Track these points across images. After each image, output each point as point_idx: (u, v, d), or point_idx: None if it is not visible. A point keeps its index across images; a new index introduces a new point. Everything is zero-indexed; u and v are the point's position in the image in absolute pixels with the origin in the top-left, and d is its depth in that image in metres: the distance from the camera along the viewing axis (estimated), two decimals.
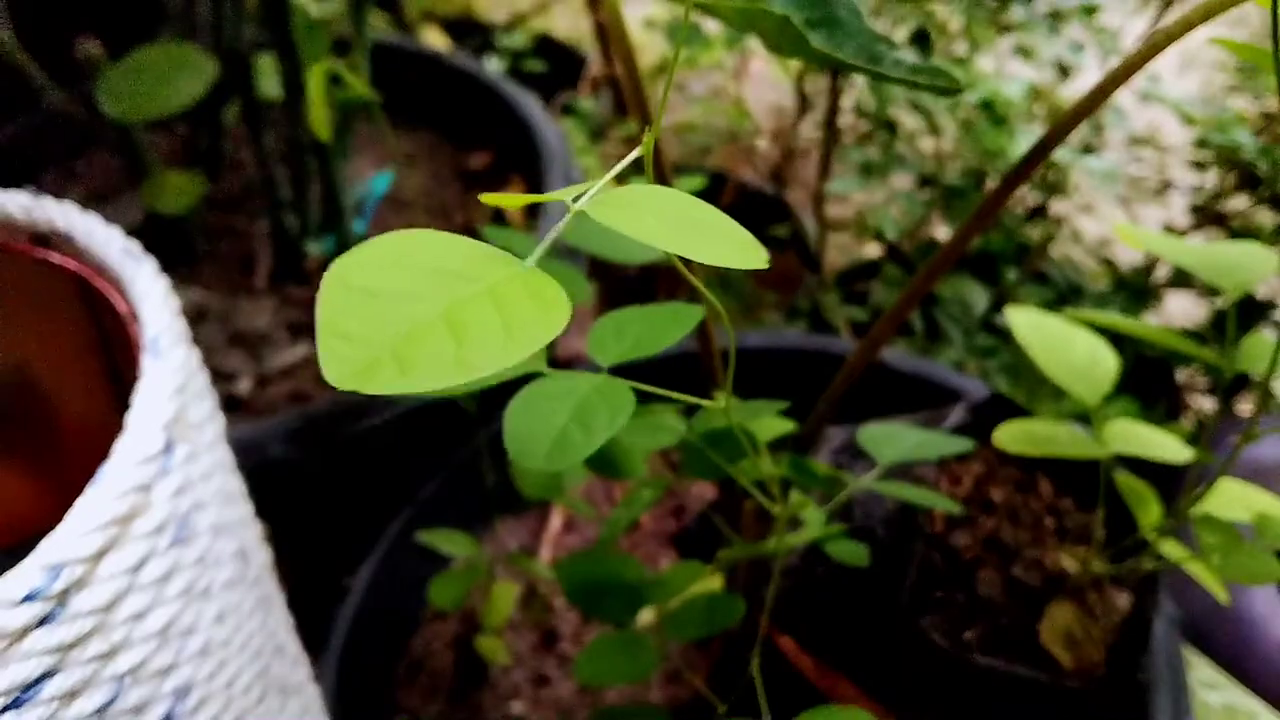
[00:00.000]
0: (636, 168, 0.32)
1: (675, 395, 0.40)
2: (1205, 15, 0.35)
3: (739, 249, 0.26)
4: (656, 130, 0.29)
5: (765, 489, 0.52)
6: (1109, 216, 1.33)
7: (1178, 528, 0.57)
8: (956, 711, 0.61)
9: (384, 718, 0.81)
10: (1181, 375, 1.11)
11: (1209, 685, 0.70)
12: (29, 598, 0.31)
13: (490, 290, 0.24)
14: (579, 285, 0.61)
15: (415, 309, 0.23)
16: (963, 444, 0.58)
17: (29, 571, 0.31)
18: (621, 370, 0.39)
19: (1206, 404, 1.12)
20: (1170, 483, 0.66)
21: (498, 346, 0.23)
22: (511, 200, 0.27)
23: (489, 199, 0.26)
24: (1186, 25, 0.36)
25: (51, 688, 0.33)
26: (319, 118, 0.56)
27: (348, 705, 0.74)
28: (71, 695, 0.34)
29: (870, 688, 0.64)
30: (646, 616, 0.71)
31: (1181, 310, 1.31)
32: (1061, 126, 0.43)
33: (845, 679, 0.64)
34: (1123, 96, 1.26)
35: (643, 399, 0.43)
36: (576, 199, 0.27)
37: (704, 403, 0.42)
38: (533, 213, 1.07)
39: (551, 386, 0.36)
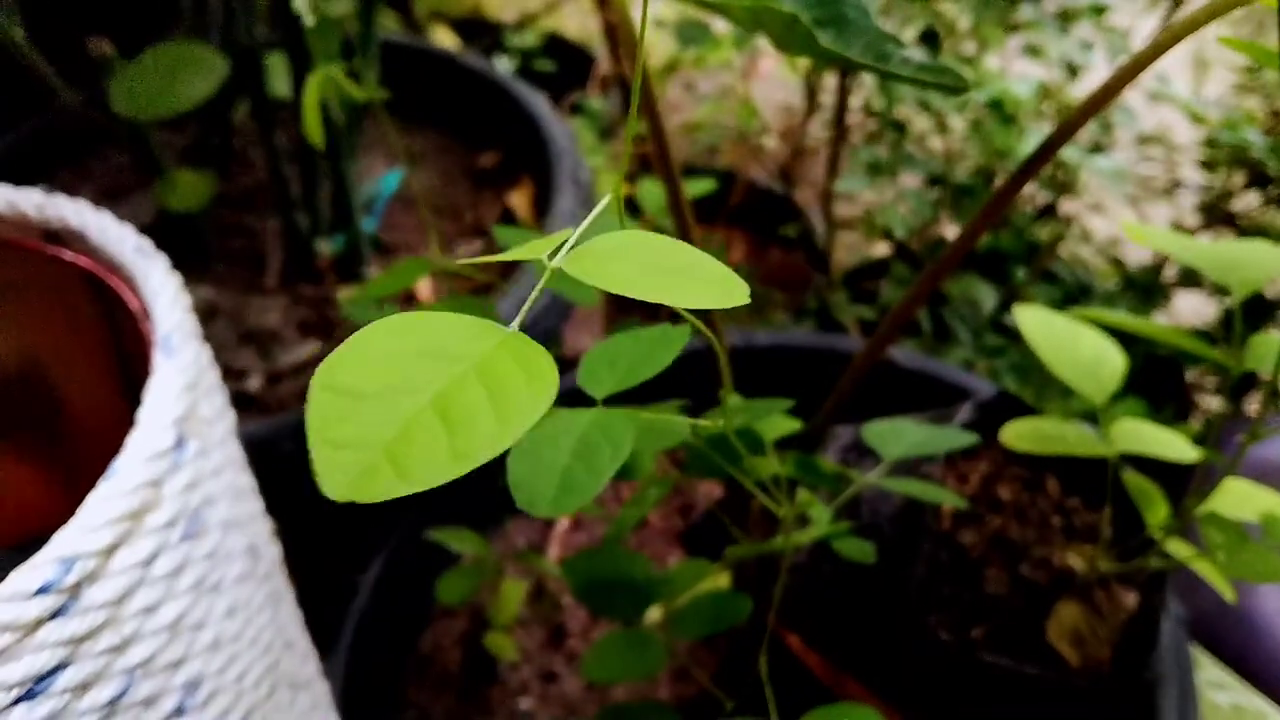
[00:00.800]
0: (645, 167, 0.32)
1: (674, 417, 0.41)
2: (1211, 14, 0.36)
3: (720, 289, 0.26)
4: (631, 135, 0.30)
5: (769, 490, 0.52)
6: (1118, 216, 1.33)
7: (1185, 527, 0.57)
8: (963, 709, 0.61)
9: (392, 714, 0.82)
10: (1191, 375, 1.11)
11: (1217, 685, 0.70)
12: (42, 590, 0.31)
13: (477, 368, 0.24)
14: (585, 287, 0.61)
15: (404, 403, 0.23)
16: (966, 438, 0.58)
17: (42, 564, 0.32)
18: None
19: (1217, 404, 1.12)
20: (1179, 482, 0.66)
21: (492, 430, 0.22)
22: (488, 260, 0.27)
23: (456, 265, 0.26)
24: (1192, 24, 0.36)
25: (64, 680, 0.33)
26: (312, 124, 0.56)
27: (356, 701, 0.75)
28: (83, 687, 0.34)
29: (877, 685, 0.64)
30: (654, 614, 0.72)
31: (1191, 309, 1.31)
32: (1069, 124, 0.43)
33: (852, 677, 0.64)
34: (1132, 96, 1.26)
35: (646, 401, 0.43)
36: (554, 254, 0.27)
37: (700, 422, 0.42)
38: (542, 210, 1.07)
39: (552, 425, 0.36)
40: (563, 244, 0.27)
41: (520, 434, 0.22)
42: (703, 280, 0.27)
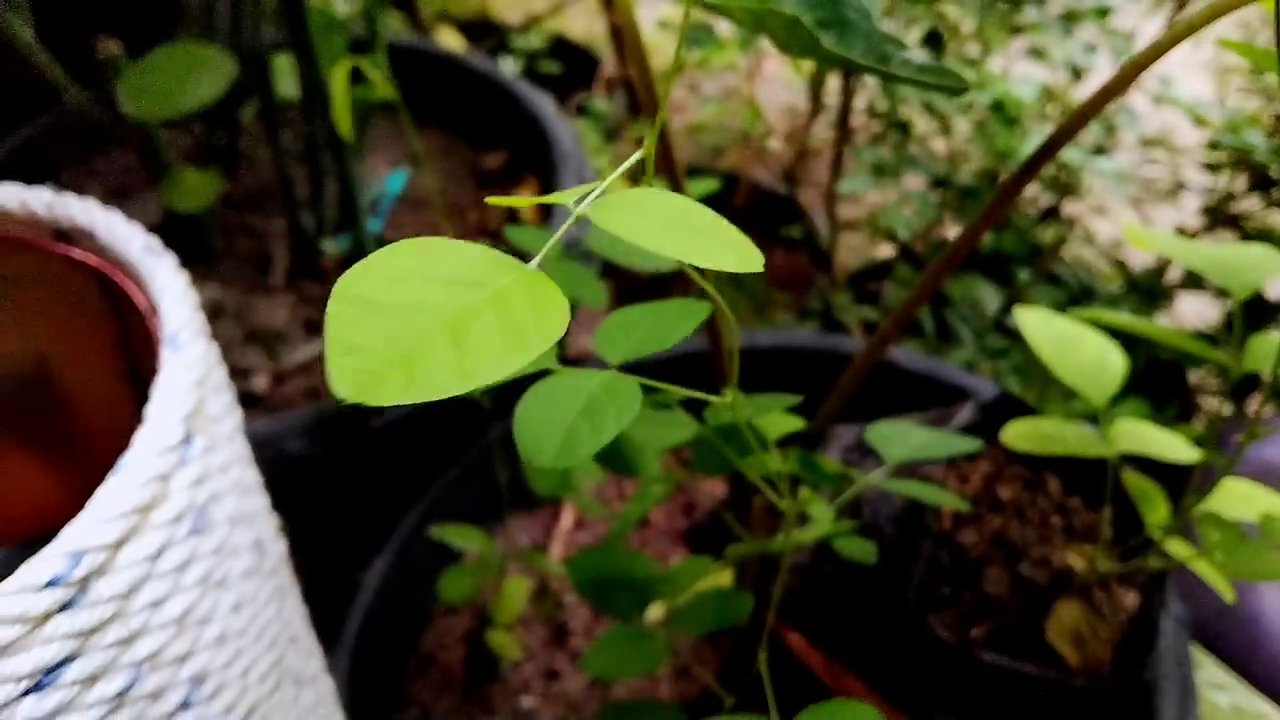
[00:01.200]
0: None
1: (683, 391, 0.41)
2: (1210, 17, 0.36)
3: (737, 254, 0.27)
4: (655, 131, 0.30)
5: (774, 485, 0.52)
6: (1121, 218, 1.33)
7: (1184, 527, 0.57)
8: (963, 708, 0.61)
9: (395, 710, 0.82)
10: (1195, 377, 1.11)
11: (1217, 686, 0.70)
12: (51, 583, 0.32)
13: (494, 297, 0.25)
14: (592, 287, 0.62)
15: (420, 320, 0.24)
16: (970, 443, 0.58)
17: (51, 557, 0.32)
18: (632, 368, 0.39)
19: (1221, 406, 1.12)
20: (1182, 484, 0.66)
21: (498, 355, 0.23)
22: (516, 201, 0.28)
23: (495, 201, 0.27)
24: (1189, 27, 0.36)
25: (72, 672, 0.33)
26: (342, 114, 0.57)
27: (360, 697, 0.75)
28: (91, 680, 0.34)
29: (877, 684, 0.64)
30: (656, 612, 0.72)
31: (1195, 312, 1.31)
32: (1068, 126, 0.44)
33: (852, 675, 0.64)
34: (1136, 98, 1.26)
35: (651, 393, 0.44)
36: (579, 201, 0.27)
37: (712, 399, 0.42)
38: (546, 213, 1.08)
39: (561, 383, 0.37)
40: (589, 192, 0.28)
41: (526, 360, 0.23)
42: (722, 242, 0.27)
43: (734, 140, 1.51)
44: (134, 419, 0.38)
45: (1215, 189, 1.13)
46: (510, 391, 0.40)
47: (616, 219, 0.27)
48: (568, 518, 0.97)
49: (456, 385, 0.23)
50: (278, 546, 0.52)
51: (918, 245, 1.24)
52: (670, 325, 0.40)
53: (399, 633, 0.86)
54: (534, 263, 0.26)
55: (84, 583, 0.33)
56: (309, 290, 0.99)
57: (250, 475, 0.48)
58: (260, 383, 0.90)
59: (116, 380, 0.52)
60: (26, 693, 0.32)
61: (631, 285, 1.23)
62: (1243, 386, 1.03)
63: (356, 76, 0.82)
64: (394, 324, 0.24)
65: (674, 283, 1.27)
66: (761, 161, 1.56)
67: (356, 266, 0.24)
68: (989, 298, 1.12)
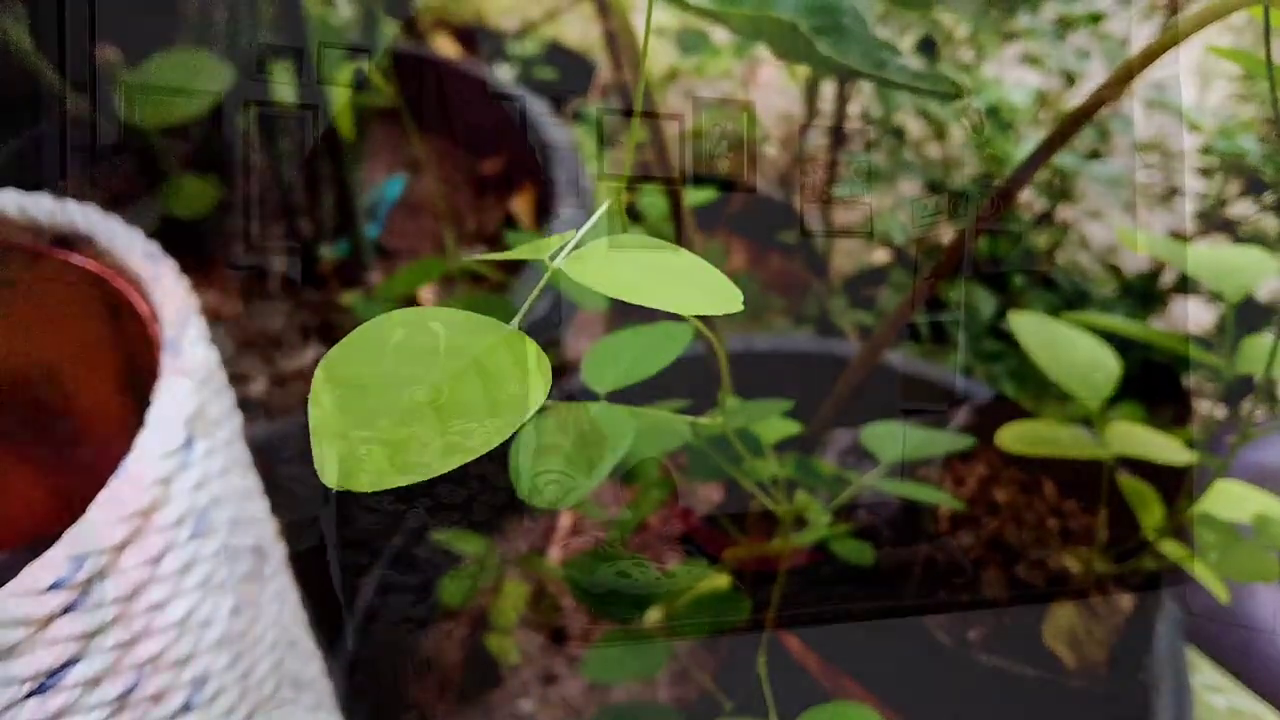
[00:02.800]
0: (647, 176, 0.33)
1: (673, 409, 0.41)
2: (1197, 25, 0.36)
3: (713, 296, 0.27)
4: (634, 139, 0.30)
5: (768, 490, 0.53)
6: (1116, 223, 1.34)
7: (1179, 529, 0.57)
8: (960, 710, 0.61)
9: (394, 714, 0.82)
10: (1189, 380, 1.12)
11: (1214, 689, 0.71)
12: (55, 586, 0.32)
13: (475, 363, 0.25)
14: (593, 292, 0.62)
15: (402, 398, 0.24)
16: (963, 441, 0.58)
17: (54, 560, 0.32)
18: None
19: (1216, 409, 1.12)
20: (1177, 487, 0.67)
21: (484, 427, 0.23)
22: (493, 258, 0.28)
23: (469, 262, 0.27)
24: (1174, 37, 0.37)
25: (75, 674, 0.34)
26: (343, 116, 0.57)
27: (358, 701, 0.75)
28: (94, 682, 0.35)
29: (875, 686, 0.64)
30: (654, 616, 0.72)
31: (1190, 315, 1.31)
32: (1062, 130, 0.44)
33: (850, 677, 0.65)
34: (1129, 103, 1.27)
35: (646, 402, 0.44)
36: (555, 255, 0.28)
37: (702, 421, 0.43)
38: (544, 217, 1.08)
39: (554, 419, 0.37)
40: (565, 245, 0.28)
41: (512, 430, 0.23)
42: (699, 286, 0.27)
43: (730, 146, 1.51)
44: (134, 424, 0.38)
45: (1209, 194, 1.14)
46: None
47: (591, 272, 0.27)
48: (566, 522, 0.97)
49: (445, 464, 0.23)
50: (277, 550, 0.52)
51: (913, 250, 1.24)
52: (655, 351, 0.41)
53: (397, 637, 0.86)
54: (514, 323, 0.26)
55: (87, 585, 0.33)
56: (306, 296, 0.99)
57: (250, 479, 0.49)
58: (258, 389, 0.90)
59: (117, 385, 0.52)
60: (30, 695, 0.32)
61: None
62: (1237, 389, 1.04)
63: (358, 82, 0.82)
64: (376, 404, 0.24)
65: None
66: (757, 167, 1.56)
67: (336, 348, 0.24)
68: (984, 302, 1.12)
